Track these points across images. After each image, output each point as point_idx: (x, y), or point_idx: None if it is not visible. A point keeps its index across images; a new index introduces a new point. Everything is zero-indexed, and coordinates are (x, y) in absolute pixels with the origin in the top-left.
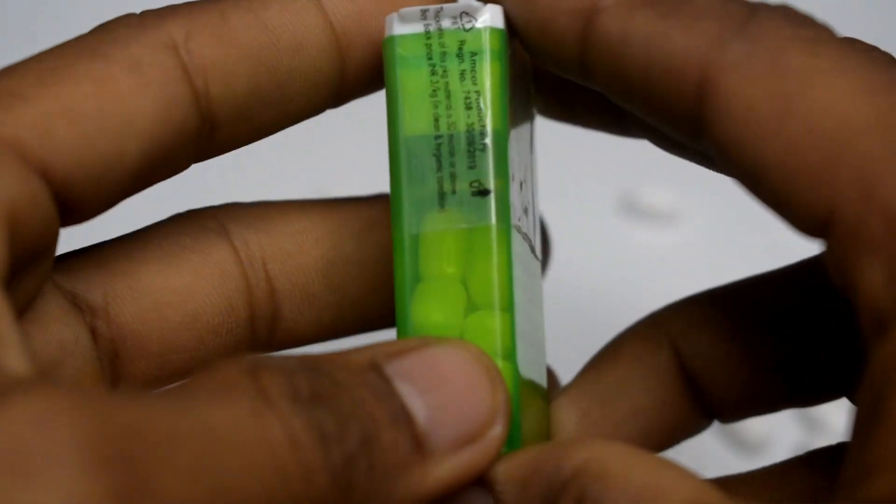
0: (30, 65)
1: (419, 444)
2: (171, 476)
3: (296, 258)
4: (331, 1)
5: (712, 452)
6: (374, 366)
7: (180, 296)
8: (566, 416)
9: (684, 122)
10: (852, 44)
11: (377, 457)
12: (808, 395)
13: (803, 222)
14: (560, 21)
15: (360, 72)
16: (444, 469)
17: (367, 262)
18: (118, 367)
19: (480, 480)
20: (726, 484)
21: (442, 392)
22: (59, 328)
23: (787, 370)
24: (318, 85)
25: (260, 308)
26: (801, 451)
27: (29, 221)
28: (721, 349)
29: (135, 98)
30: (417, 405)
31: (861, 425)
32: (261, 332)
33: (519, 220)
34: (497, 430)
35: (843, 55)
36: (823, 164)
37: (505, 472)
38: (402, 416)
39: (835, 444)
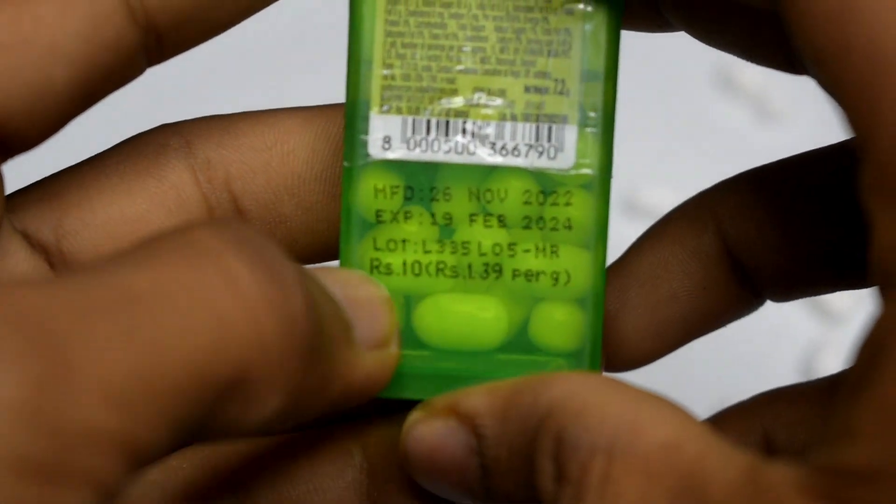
0: None
1: (347, 327)
2: (90, 349)
3: (262, 176)
4: None
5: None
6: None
7: (134, 226)
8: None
9: None
10: None
11: (324, 320)
12: (860, 275)
13: (849, 129)
14: None
15: None
16: (366, 362)
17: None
18: None
19: (459, 416)
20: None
21: (355, 297)
22: (18, 261)
23: (838, 250)
24: None
25: None
26: None
27: None
28: (769, 230)
29: (57, 20)
30: (340, 296)
31: (854, 379)
32: None
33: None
34: (394, 348)
35: None
36: (870, 80)
37: (485, 403)
38: (331, 298)
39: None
